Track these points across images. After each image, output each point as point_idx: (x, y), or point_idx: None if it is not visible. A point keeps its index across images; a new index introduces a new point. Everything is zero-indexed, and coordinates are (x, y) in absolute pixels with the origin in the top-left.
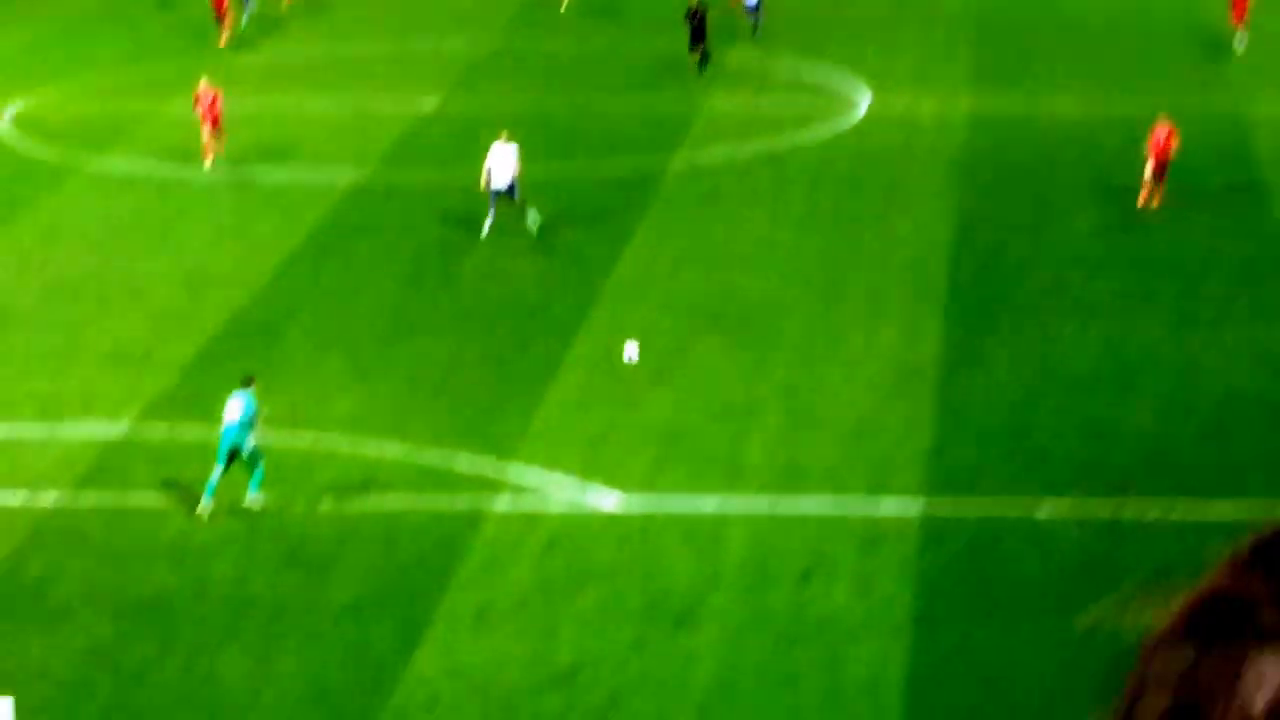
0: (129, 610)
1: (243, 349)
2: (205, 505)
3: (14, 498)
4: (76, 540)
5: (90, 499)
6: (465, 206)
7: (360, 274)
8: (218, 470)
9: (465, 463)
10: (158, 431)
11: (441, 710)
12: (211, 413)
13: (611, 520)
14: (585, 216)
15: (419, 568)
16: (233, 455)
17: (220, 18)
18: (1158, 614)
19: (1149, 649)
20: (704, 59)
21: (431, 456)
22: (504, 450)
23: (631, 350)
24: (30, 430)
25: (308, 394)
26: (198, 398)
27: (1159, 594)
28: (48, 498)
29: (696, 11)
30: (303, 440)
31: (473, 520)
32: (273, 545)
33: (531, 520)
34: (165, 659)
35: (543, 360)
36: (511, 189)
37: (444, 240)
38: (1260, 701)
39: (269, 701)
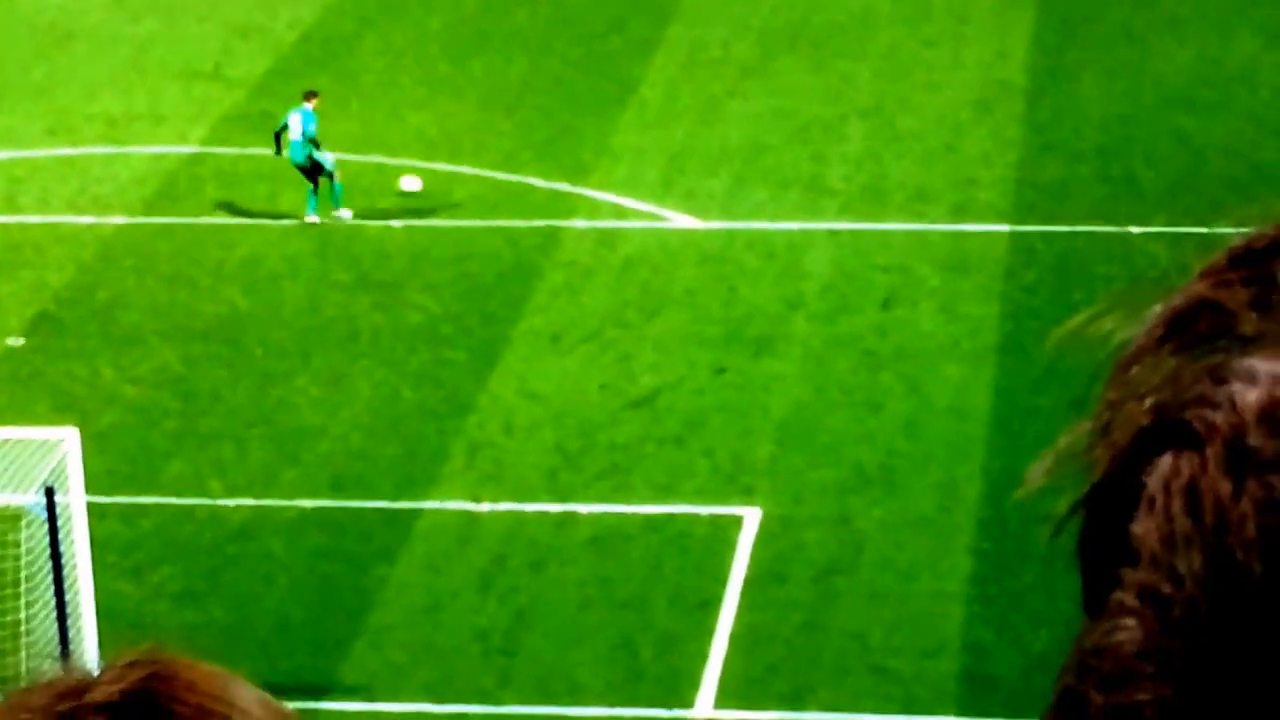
0: (199, 334)
1: (314, 65)
2: (310, 216)
3: (81, 220)
4: (145, 262)
5: (159, 220)
6: None
7: None
8: (309, 187)
9: (542, 183)
10: (228, 150)
11: (517, 434)
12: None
13: (690, 241)
14: None
15: (494, 289)
16: (307, 170)
17: None
18: (1132, 325)
19: (1125, 360)
20: None
21: (508, 176)
22: (580, 170)
23: (410, 184)
24: (97, 150)
25: (380, 111)
26: (268, 115)
27: (1132, 305)
28: (116, 219)
29: None
30: (375, 159)
31: (548, 241)
32: (345, 267)
33: (608, 241)
34: (236, 383)
35: (620, 79)
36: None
37: None
38: (1252, 397)
39: (341, 426)
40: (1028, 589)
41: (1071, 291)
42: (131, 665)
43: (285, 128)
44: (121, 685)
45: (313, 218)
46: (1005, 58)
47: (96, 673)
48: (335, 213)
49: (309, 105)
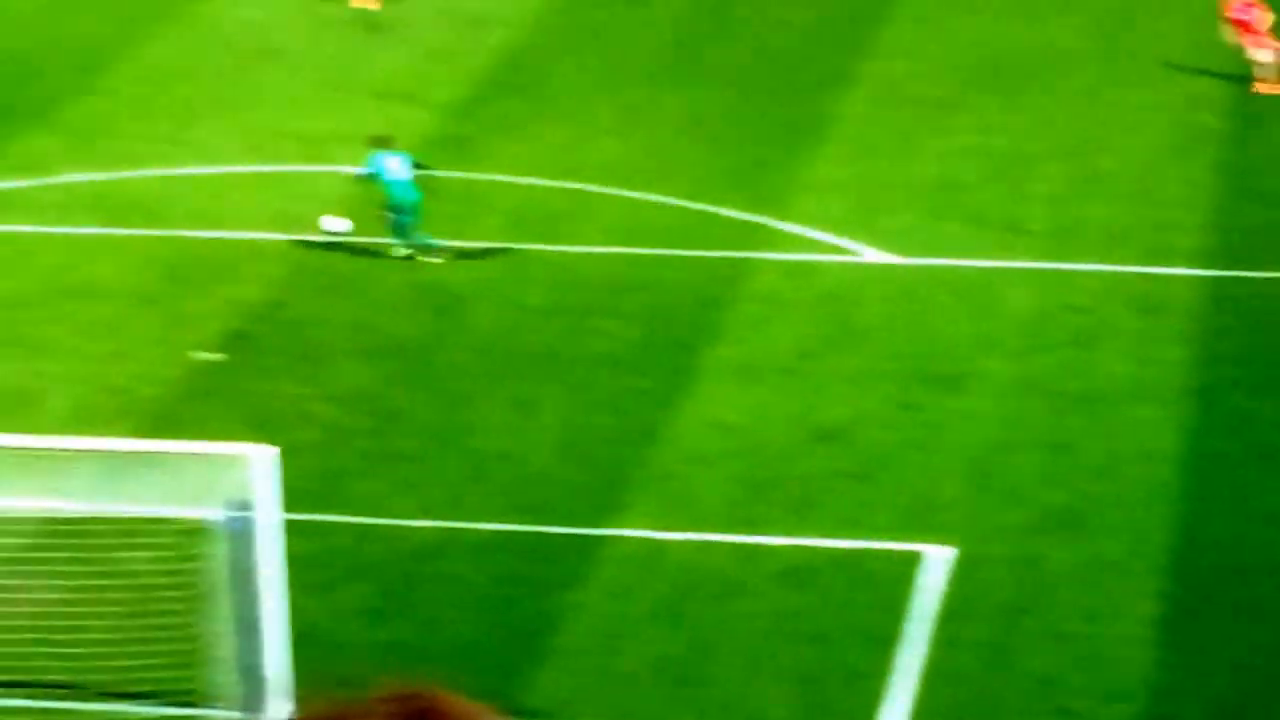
0: (390, 354)
1: (509, 90)
2: (401, 249)
3: (277, 238)
4: (339, 282)
5: (354, 239)
6: None
7: (633, 16)
8: (402, 220)
9: (734, 213)
10: (422, 173)
11: (703, 464)
12: (476, 155)
13: (883, 276)
14: None
15: (684, 319)
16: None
17: None
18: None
19: None
20: None
21: (700, 206)
22: (774, 202)
23: (332, 224)
24: (295, 168)
25: (575, 137)
26: (464, 139)
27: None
28: (311, 237)
29: None
30: (569, 185)
31: (741, 272)
32: (536, 292)
33: (801, 274)
34: (425, 404)
35: (816, 111)
36: None
37: None
38: None
39: (527, 449)
40: (1216, 636)
41: (1265, 337)
42: (401, 698)
43: (373, 175)
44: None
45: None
46: (1205, 100)
47: (363, 703)
48: (433, 251)
49: (391, 147)
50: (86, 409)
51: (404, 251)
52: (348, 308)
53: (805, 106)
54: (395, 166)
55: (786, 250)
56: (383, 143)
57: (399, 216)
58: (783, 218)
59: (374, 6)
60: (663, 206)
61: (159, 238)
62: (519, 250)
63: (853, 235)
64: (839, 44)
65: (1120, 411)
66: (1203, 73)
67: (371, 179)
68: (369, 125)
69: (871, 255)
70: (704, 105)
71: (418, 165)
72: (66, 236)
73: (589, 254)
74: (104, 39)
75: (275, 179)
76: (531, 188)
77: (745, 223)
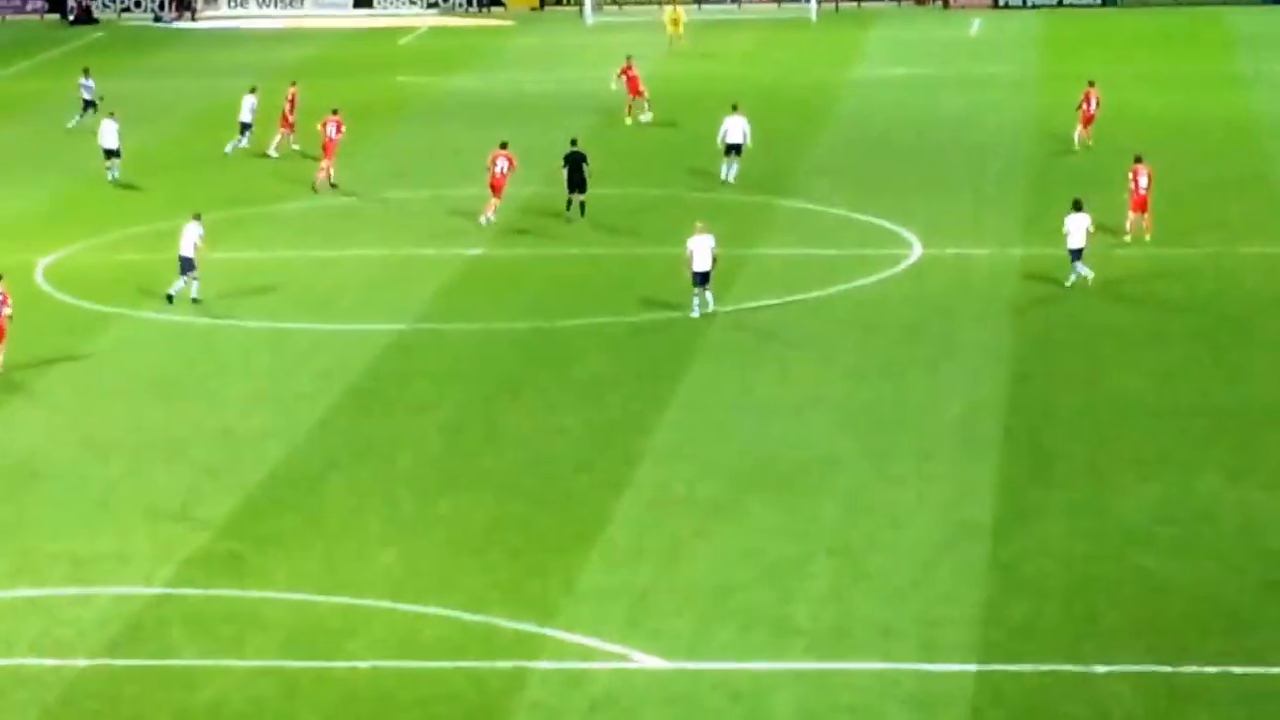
0: None
1: (280, 505)
2: None
3: (44, 662)
4: (110, 705)
5: (124, 662)
6: (509, 356)
7: (401, 428)
8: None
9: (507, 623)
10: (194, 591)
11: None
12: (248, 572)
13: (657, 682)
14: (632, 369)
15: None
16: None
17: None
18: None
19: None
20: (581, 207)
21: (474, 617)
22: (547, 610)
23: None
24: (62, 591)
25: (346, 552)
26: (235, 556)
27: None
28: (79, 662)
29: (575, 154)
30: (340, 600)
31: (515, 682)
32: (308, 711)
33: (575, 682)
34: None
35: (587, 518)
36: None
37: (487, 393)
38: None
39: None
40: None
41: None
42: None
43: None
44: None
45: None
46: (970, 496)
47: None
48: None
49: None
50: None
51: None
52: None
53: (577, 512)
54: None
55: (560, 659)
56: None
57: None
58: (557, 625)
59: None
60: (437, 618)
61: None
62: (291, 669)
63: (625, 641)
64: (610, 450)
65: None
66: (967, 469)
67: None
68: (136, 546)
69: (643, 661)
70: (476, 514)
71: None
72: None
73: (362, 670)
74: None
75: (41, 603)
76: (304, 604)
77: (519, 632)
